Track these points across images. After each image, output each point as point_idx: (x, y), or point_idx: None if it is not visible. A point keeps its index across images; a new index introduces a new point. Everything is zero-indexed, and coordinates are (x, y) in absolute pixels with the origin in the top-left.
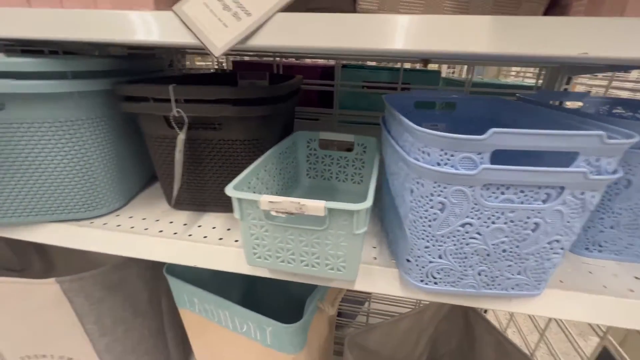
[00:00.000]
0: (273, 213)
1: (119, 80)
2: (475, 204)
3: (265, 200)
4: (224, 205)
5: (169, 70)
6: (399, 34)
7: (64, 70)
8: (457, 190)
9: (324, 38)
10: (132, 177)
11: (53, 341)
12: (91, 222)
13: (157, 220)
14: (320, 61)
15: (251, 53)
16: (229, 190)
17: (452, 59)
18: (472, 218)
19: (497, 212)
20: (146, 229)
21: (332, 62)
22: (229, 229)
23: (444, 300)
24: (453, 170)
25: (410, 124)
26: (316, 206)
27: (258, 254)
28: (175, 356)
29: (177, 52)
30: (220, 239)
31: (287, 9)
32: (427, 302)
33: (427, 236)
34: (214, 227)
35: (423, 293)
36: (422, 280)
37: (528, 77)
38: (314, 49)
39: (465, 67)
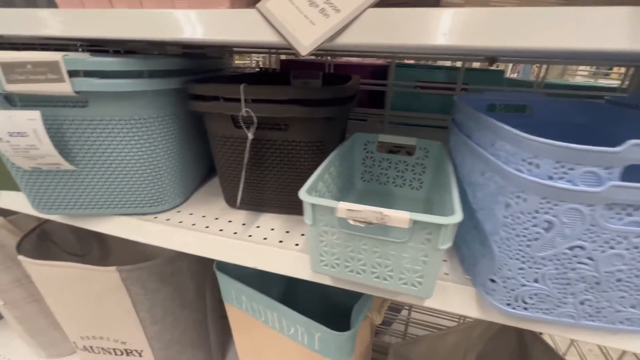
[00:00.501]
0: (350, 222)
1: (187, 79)
2: (592, 225)
3: (344, 207)
4: (283, 206)
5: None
6: (504, 29)
7: (142, 70)
8: (572, 208)
9: (417, 35)
10: (191, 174)
11: (109, 325)
12: (155, 217)
13: (217, 219)
14: (369, 60)
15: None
16: (303, 194)
17: (532, 57)
18: (585, 241)
19: (618, 236)
20: (207, 227)
21: (380, 61)
22: (287, 232)
23: (532, 327)
24: (570, 186)
25: (514, 130)
26: (400, 217)
27: (325, 261)
28: (215, 348)
29: (226, 52)
30: (281, 241)
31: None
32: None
33: (524, 257)
34: (272, 229)
35: (508, 318)
36: (508, 304)
37: (603, 78)
38: (403, 47)
39: (521, 66)
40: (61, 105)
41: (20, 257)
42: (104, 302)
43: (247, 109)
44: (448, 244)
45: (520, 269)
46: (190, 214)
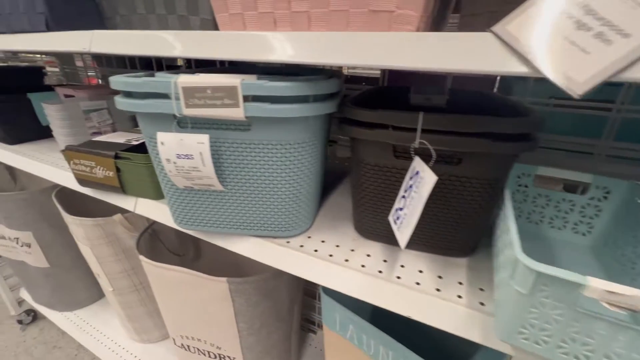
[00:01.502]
0: (604, 305)
1: (338, 103)
2: None
3: (599, 287)
4: (429, 244)
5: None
6: None
7: (309, 94)
8: None
9: None
10: (318, 198)
11: (209, 329)
12: (287, 242)
13: (352, 251)
14: None
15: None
16: (526, 259)
17: None
18: None
19: None
20: (346, 260)
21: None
22: (440, 277)
23: None
24: None
25: None
26: None
27: (527, 334)
28: None
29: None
30: (438, 289)
31: None
32: None
33: None
34: (420, 271)
35: None
36: None
37: None
38: None
39: None
40: (224, 128)
41: (141, 257)
42: (209, 309)
43: (423, 141)
44: None
45: None
46: (322, 241)
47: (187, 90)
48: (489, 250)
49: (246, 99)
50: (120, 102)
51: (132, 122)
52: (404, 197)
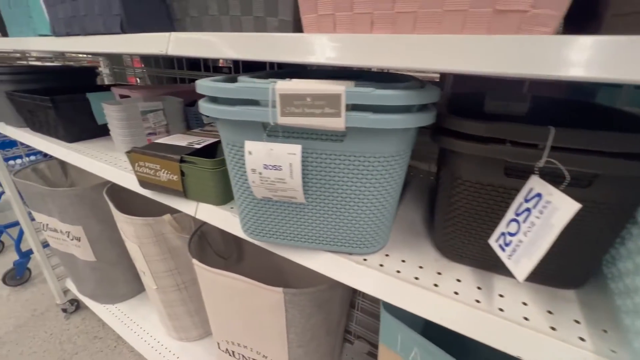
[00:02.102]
0: None
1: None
2: None
3: None
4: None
5: None
6: None
7: (413, 104)
8: None
9: None
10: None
11: (257, 338)
12: (364, 260)
13: (439, 274)
14: None
15: None
16: None
17: None
18: None
19: None
20: (436, 285)
21: None
22: (550, 312)
23: None
24: None
25: None
26: None
27: None
28: None
29: None
30: (553, 328)
31: None
32: None
33: None
34: (524, 303)
35: None
36: None
37: None
38: None
39: None
40: (314, 138)
41: (194, 262)
42: (260, 317)
43: (551, 159)
44: None
45: None
46: (403, 260)
47: (285, 98)
48: (597, 282)
49: (346, 107)
50: (207, 109)
51: (184, 123)
52: (515, 221)
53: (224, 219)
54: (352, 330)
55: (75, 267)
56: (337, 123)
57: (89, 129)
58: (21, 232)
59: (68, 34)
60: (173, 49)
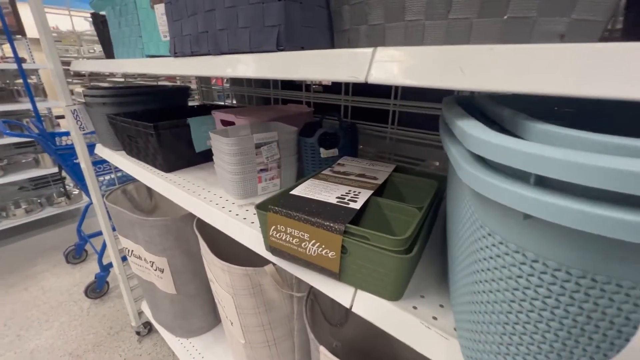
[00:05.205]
0: None
1: None
2: None
3: None
4: None
5: None
6: None
7: None
8: None
9: None
10: None
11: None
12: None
13: None
14: None
15: None
16: None
17: None
18: None
19: None
20: None
21: None
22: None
23: None
24: None
25: None
26: None
27: None
28: None
29: None
30: None
31: None
32: None
33: None
34: None
35: None
36: None
37: None
38: None
39: None
40: None
41: (322, 349)
42: None
43: None
44: None
45: None
46: None
47: None
48: None
49: None
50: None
51: (296, 156)
52: None
53: (402, 321)
54: None
55: (154, 296)
56: None
57: (186, 157)
58: (104, 245)
59: (193, 54)
60: (379, 74)
